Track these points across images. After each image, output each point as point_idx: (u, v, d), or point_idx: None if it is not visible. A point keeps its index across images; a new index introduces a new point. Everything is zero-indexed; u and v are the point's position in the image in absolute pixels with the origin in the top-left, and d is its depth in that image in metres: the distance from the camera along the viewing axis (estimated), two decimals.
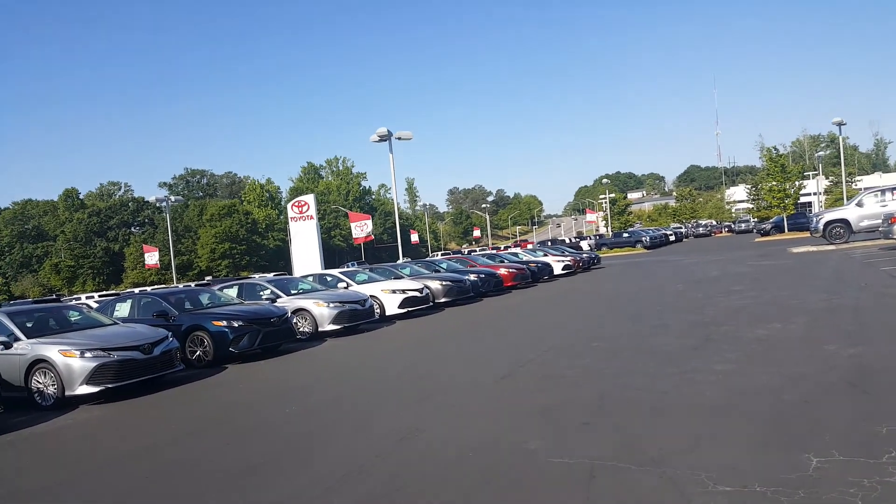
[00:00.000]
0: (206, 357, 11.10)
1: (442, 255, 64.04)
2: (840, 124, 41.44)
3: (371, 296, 15.86)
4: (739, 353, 7.37)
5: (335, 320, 13.57)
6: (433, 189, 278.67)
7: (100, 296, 28.55)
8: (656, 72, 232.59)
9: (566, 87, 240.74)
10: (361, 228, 31.48)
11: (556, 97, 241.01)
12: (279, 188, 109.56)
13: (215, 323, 11.16)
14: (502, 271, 22.35)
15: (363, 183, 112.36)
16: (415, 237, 65.58)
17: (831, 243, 23.81)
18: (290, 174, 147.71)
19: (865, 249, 21.06)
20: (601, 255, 39.85)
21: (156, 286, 48.12)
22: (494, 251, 37.48)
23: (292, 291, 15.16)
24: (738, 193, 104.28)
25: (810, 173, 65.98)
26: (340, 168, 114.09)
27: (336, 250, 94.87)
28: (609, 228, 71.66)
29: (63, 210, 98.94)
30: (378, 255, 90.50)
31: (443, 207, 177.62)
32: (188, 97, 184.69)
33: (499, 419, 5.78)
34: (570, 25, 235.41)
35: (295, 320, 13.32)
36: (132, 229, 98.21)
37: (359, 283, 17.13)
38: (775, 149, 49.35)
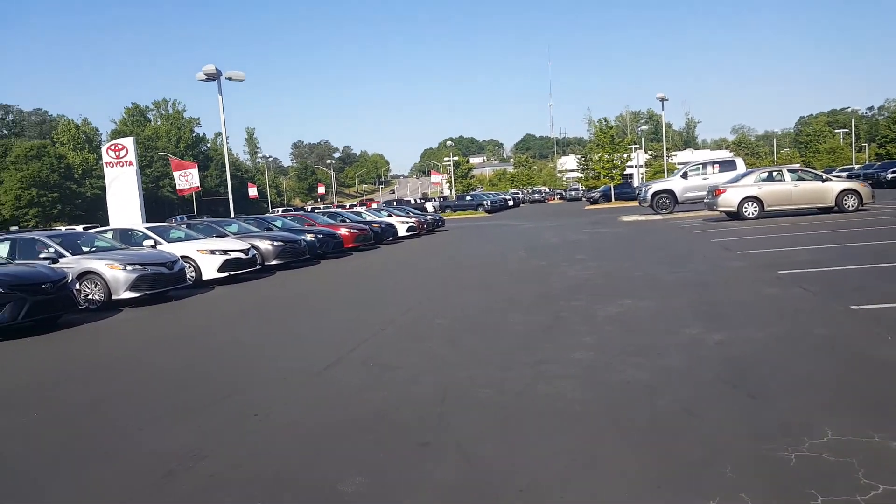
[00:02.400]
0: None
1: (283, 211, 60.40)
2: (663, 100, 44.57)
3: (185, 256, 13.50)
4: (595, 336, 6.64)
5: (134, 286, 11.17)
6: (276, 142, 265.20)
7: None
8: (497, 40, 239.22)
9: (415, 48, 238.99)
10: (186, 178, 27.79)
11: (405, 57, 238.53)
12: (98, 130, 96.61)
13: None
14: (343, 231, 20.76)
15: (197, 129, 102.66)
16: (253, 191, 61.24)
17: (658, 213, 25.27)
18: (112, 116, 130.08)
19: (691, 220, 22.46)
20: (445, 217, 39.61)
21: None
22: (339, 209, 35.59)
23: (84, 250, 12.39)
24: (569, 163, 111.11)
25: (633, 146, 71.33)
26: (170, 111, 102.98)
27: (166, 202, 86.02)
28: (453, 191, 72.38)
29: None
30: (215, 209, 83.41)
31: (287, 162, 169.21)
32: None
33: (309, 437, 4.38)
34: None
35: (79, 286, 10.75)
36: None
37: (172, 241, 14.59)
38: (605, 121, 52.38)
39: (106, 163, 25.44)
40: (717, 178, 23.55)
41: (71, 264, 11.05)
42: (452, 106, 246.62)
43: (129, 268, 11.17)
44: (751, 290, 8.53)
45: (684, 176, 25.19)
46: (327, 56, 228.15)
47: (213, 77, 25.89)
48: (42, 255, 11.05)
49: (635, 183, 62.35)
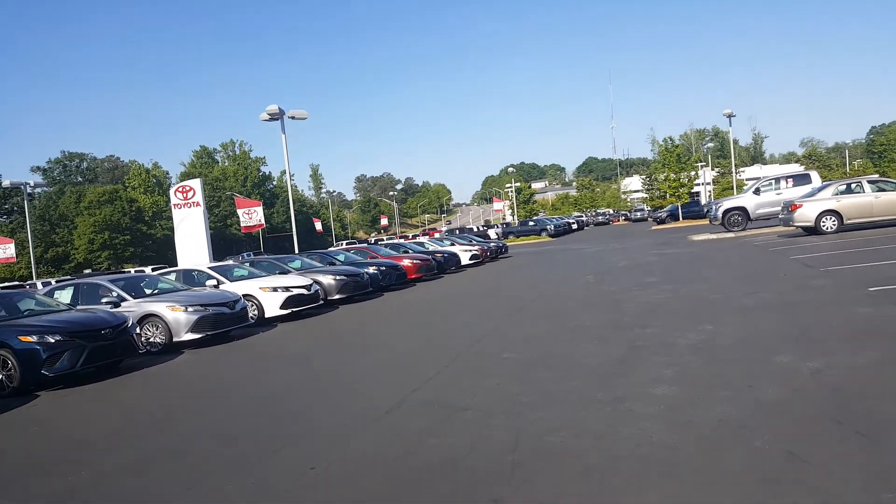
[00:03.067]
0: (10, 383, 8.52)
1: (347, 244, 61.49)
2: (730, 116, 42.92)
3: (247, 295, 13.63)
4: (676, 367, 6.06)
5: (195, 327, 11.25)
6: (340, 177, 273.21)
7: None
8: (556, 66, 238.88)
9: (473, 76, 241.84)
10: (250, 216, 28.63)
11: (463, 87, 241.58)
12: (168, 173, 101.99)
13: (22, 339, 8.61)
14: (406, 263, 20.65)
15: (262, 168, 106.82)
16: (318, 226, 62.81)
17: (730, 231, 23.99)
18: (182, 159, 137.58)
19: (765, 237, 21.17)
20: (508, 244, 39.13)
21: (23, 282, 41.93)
22: (402, 240, 35.75)
23: (147, 292, 12.66)
24: (633, 183, 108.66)
25: (699, 164, 69.03)
26: (237, 152, 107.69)
27: (234, 240, 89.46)
28: (515, 217, 71.86)
29: None
30: (281, 245, 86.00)
31: (350, 195, 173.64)
32: (65, 75, 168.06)
33: (371, 494, 4.03)
34: (477, 17, 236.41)
35: (141, 329, 10.92)
36: None
37: (235, 279, 14.78)
38: (670, 140, 50.84)
39: (174, 204, 26.49)
40: (791, 192, 22.19)
41: (132, 308, 11.24)
42: (513, 132, 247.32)
43: (189, 309, 11.28)
44: (842, 311, 7.71)
45: (756, 192, 23.87)
46: (388, 89, 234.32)
47: (277, 117, 26.77)
48: (104, 300, 11.31)
49: (703, 201, 60.11)
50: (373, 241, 59.70)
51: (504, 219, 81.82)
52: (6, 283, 39.30)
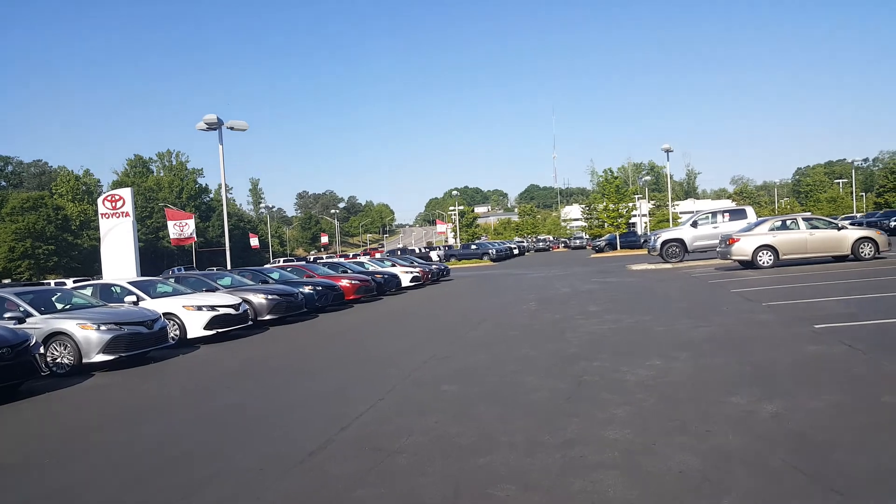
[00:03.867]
0: None
1: (284, 261, 59.70)
2: (668, 151, 44.34)
3: (168, 313, 12.59)
4: (627, 407, 5.66)
5: (108, 348, 10.18)
6: (282, 192, 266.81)
7: None
8: (500, 93, 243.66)
9: (420, 99, 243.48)
10: (181, 228, 27.17)
11: (410, 108, 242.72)
12: (99, 181, 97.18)
13: None
14: (344, 283, 19.86)
15: (200, 180, 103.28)
16: (255, 241, 60.76)
17: (667, 261, 24.40)
18: (115, 167, 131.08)
19: (703, 269, 21.57)
20: (450, 267, 38.77)
21: None
22: (342, 259, 34.80)
23: (59, 307, 11.47)
24: (573, 212, 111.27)
25: (637, 196, 71.22)
26: (173, 162, 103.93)
27: (165, 252, 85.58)
28: (458, 240, 71.88)
29: None
30: (215, 260, 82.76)
31: (291, 212, 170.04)
32: None
33: None
34: (425, 41, 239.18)
35: (45, 349, 9.81)
36: None
37: (157, 296, 13.68)
38: (611, 171, 52.14)
39: (102, 214, 24.85)
40: (727, 226, 22.81)
41: (38, 324, 10.10)
42: (457, 157, 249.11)
43: (102, 328, 10.21)
44: (791, 349, 7.57)
45: (694, 225, 24.45)
46: (333, 107, 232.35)
47: (215, 126, 25.57)
48: (7, 315, 10.09)
49: (640, 231, 61.81)
50: (312, 260, 58.24)
51: (446, 241, 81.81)
52: None
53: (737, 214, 24.10)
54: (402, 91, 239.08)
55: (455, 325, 12.92)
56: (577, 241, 72.92)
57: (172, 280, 15.65)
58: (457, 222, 74.29)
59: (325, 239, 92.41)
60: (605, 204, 49.33)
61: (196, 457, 5.46)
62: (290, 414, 6.72)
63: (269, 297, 15.31)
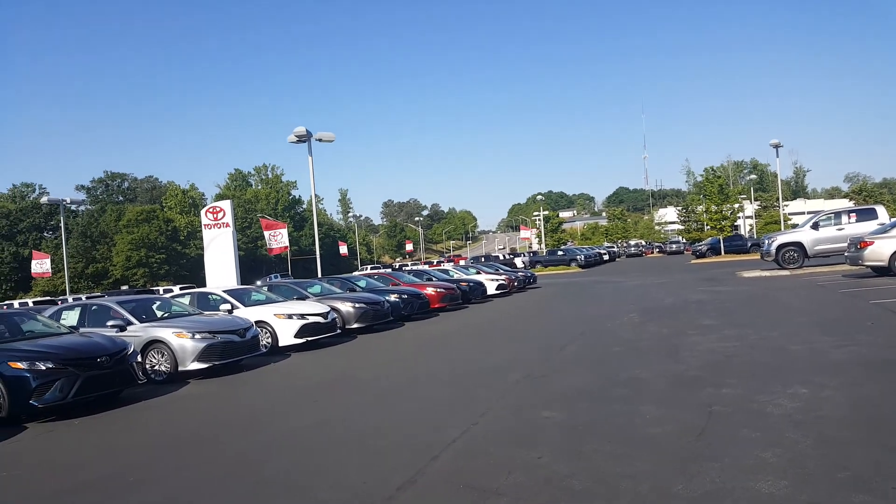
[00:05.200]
0: None
1: (371, 268, 60.70)
2: (777, 146, 41.12)
3: (261, 322, 12.55)
4: (778, 449, 4.64)
5: (202, 356, 10.16)
6: (368, 201, 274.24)
7: None
8: (587, 94, 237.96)
9: (501, 104, 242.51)
10: (276, 238, 27.87)
11: (491, 114, 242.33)
12: (203, 195, 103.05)
13: (12, 364, 7.64)
14: (429, 291, 19.44)
15: (293, 192, 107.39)
16: (343, 249, 62.19)
17: (784, 268, 22.22)
18: (217, 181, 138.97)
19: (828, 276, 19.39)
20: (536, 273, 37.66)
21: (77, 295, 41.47)
22: (426, 266, 34.59)
23: (160, 315, 11.65)
24: (668, 215, 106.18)
25: (741, 196, 66.87)
26: (270, 176, 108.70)
27: (264, 261, 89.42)
28: (543, 245, 70.28)
29: None
30: (308, 267, 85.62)
31: (377, 220, 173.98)
32: (109, 97, 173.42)
33: None
34: (507, 44, 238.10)
35: (142, 357, 9.89)
36: (44, 234, 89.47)
37: (251, 304, 13.72)
38: (712, 170, 49.03)
39: (205, 225, 25.90)
40: (854, 228, 20.40)
41: (138, 332, 10.25)
42: (541, 161, 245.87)
43: (197, 336, 10.20)
44: None
45: (815, 226, 22.07)
46: (418, 116, 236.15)
47: (304, 139, 26.18)
48: (110, 323, 10.29)
49: (745, 234, 57.88)
50: (397, 267, 58.77)
51: (530, 247, 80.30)
52: (44, 298, 39.22)
53: (865, 214, 21.55)
54: (484, 94, 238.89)
55: (549, 339, 12.04)
56: (674, 246, 69.35)
57: (265, 288, 15.76)
58: (542, 227, 72.69)
59: (409, 246, 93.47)
60: (705, 205, 46.37)
61: (275, 485, 4.98)
62: (377, 437, 6.15)
63: (357, 305, 15.07)
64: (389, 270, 29.83)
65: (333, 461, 5.51)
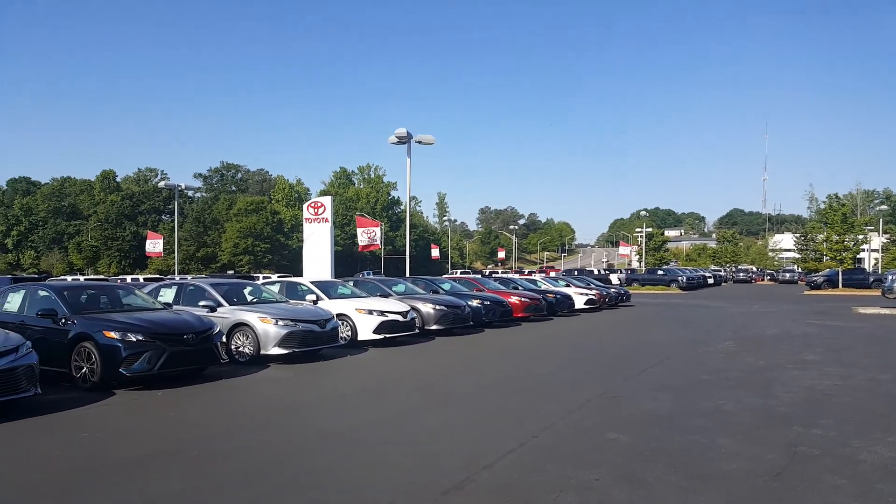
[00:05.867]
0: (91, 377, 8.23)
1: (461, 273, 61.01)
2: None
3: (342, 314, 12.88)
4: (865, 501, 4.12)
5: (283, 342, 10.57)
6: (465, 206, 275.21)
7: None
8: (707, 109, 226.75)
9: (610, 116, 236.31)
10: (369, 236, 28.68)
11: (599, 125, 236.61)
12: (309, 190, 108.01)
13: (107, 334, 8.28)
14: (513, 299, 19.17)
15: (393, 193, 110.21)
16: (435, 252, 62.93)
17: None
18: (323, 178, 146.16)
19: None
20: (631, 292, 36.23)
21: (184, 276, 45.30)
22: (514, 276, 34.23)
23: (250, 300, 12.27)
24: (784, 241, 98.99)
25: (867, 227, 61.14)
26: (372, 176, 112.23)
27: (359, 257, 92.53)
28: (643, 264, 67.64)
29: (99, 191, 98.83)
30: (402, 267, 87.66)
31: (473, 226, 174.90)
32: (231, 91, 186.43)
33: None
34: (620, 55, 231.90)
35: (227, 338, 10.42)
36: (162, 216, 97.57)
37: (335, 297, 14.15)
38: (836, 197, 45.24)
39: (306, 218, 27.15)
40: None
41: (226, 314, 10.82)
42: (650, 176, 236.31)
43: (280, 323, 10.63)
44: None
45: None
46: (522, 124, 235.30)
47: (404, 140, 26.79)
48: (202, 303, 10.95)
49: (869, 269, 52.94)
50: (487, 274, 58.72)
51: (629, 265, 77.50)
52: (154, 276, 42.66)
53: None
54: (590, 106, 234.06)
55: (631, 359, 11.49)
56: (788, 275, 64.44)
57: (351, 283, 16.20)
58: (643, 245, 69.99)
59: (501, 254, 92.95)
60: (826, 234, 42.82)
61: (326, 476, 5.03)
62: (434, 439, 6.09)
63: (437, 307, 15.13)
64: (477, 276, 29.77)
65: (385, 459, 5.50)
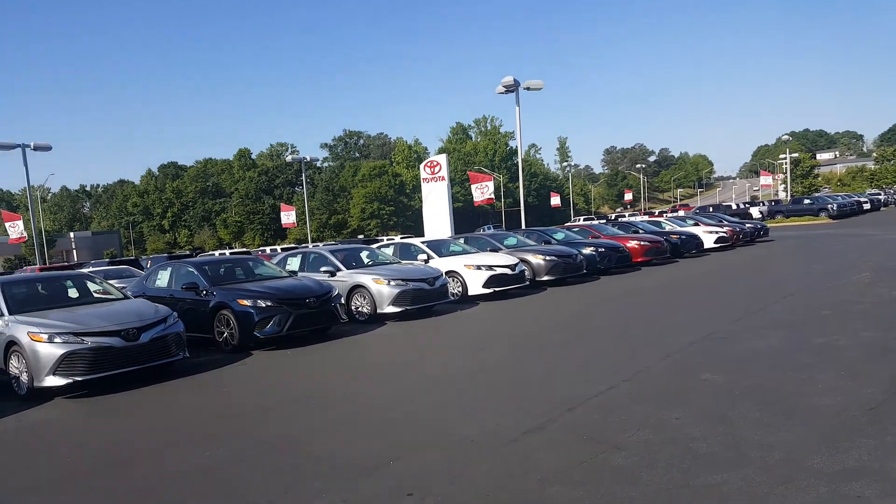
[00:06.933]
0: (231, 341, 9.51)
1: (584, 220, 59.69)
2: None
3: (452, 271, 13.46)
4: None
5: (396, 301, 11.37)
6: (589, 149, 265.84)
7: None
8: (860, 9, 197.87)
9: (747, 30, 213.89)
10: (482, 191, 28.95)
11: (735, 42, 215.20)
12: (427, 149, 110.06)
13: (241, 302, 9.47)
14: (632, 244, 18.70)
15: (511, 143, 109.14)
16: (556, 200, 61.63)
17: None
18: (440, 135, 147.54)
19: None
20: (774, 225, 33.57)
21: (316, 243, 49.16)
22: (632, 219, 33.02)
23: (367, 263, 13.22)
24: None
25: None
26: (489, 128, 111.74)
27: (481, 213, 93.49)
28: (789, 193, 61.92)
29: (237, 169, 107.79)
30: (519, 218, 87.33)
31: (598, 168, 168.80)
32: (348, 63, 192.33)
33: None
34: None
35: (345, 300, 11.40)
36: (295, 188, 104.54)
37: (446, 255, 14.73)
38: None
39: (423, 178, 27.94)
40: None
41: (345, 278, 11.79)
42: (795, 93, 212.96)
43: (392, 283, 11.41)
44: None
45: None
46: (648, 53, 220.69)
47: (512, 89, 26.59)
48: (323, 269, 12.01)
49: None
50: (612, 218, 56.89)
51: (775, 195, 71.25)
52: (290, 246, 46.31)
53: None
54: (719, 19, 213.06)
55: (751, 298, 10.96)
56: None
57: (461, 240, 16.71)
58: (787, 172, 63.95)
59: (628, 196, 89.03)
60: None
61: (421, 417, 5.58)
62: (528, 385, 6.44)
63: (548, 258, 15.23)
64: (589, 224, 29.14)
65: (478, 403, 5.95)
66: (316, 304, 9.82)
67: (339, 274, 11.96)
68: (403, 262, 13.58)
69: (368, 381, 7.26)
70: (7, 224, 34.06)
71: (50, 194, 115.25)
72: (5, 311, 7.75)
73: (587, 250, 16.66)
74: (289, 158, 55.73)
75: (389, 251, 14.81)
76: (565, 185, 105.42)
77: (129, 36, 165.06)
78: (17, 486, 4.71)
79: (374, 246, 15.02)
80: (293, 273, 11.48)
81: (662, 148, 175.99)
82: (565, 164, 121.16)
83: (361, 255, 13.58)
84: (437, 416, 5.63)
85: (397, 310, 11.39)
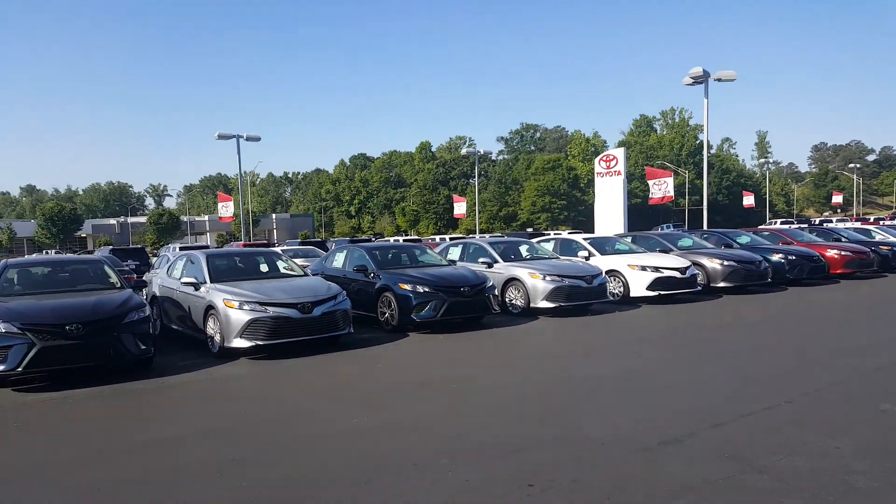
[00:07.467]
0: (391, 321, 10.22)
1: (782, 223, 53.72)
2: None
3: (613, 271, 13.04)
4: None
5: (550, 296, 11.32)
6: (794, 145, 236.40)
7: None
8: None
9: None
10: (660, 188, 27.50)
11: None
12: (605, 142, 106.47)
13: (401, 286, 10.14)
14: (830, 253, 16.55)
15: (700, 136, 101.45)
16: (749, 199, 56.33)
17: None
18: (622, 128, 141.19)
19: None
20: None
21: (483, 235, 50.65)
22: (858, 222, 28.97)
23: (525, 256, 13.31)
24: None
25: None
26: (676, 120, 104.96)
27: (662, 210, 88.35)
28: None
29: (418, 161, 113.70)
30: (712, 219, 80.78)
31: (804, 167, 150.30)
32: (526, 53, 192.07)
33: None
34: None
35: (499, 292, 11.59)
36: (470, 180, 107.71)
37: (609, 253, 14.26)
38: None
39: (597, 173, 27.33)
40: None
41: (501, 270, 11.98)
42: None
43: (547, 278, 11.36)
44: None
45: None
46: (857, 44, 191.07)
47: (700, 80, 24.93)
48: (481, 260, 12.34)
49: None
50: (816, 222, 50.49)
51: None
52: (458, 236, 47.98)
53: None
54: None
55: None
56: None
57: (629, 239, 16.06)
58: None
59: (837, 198, 77.98)
60: None
61: (553, 416, 5.55)
62: (674, 395, 6.10)
63: (725, 263, 14.06)
64: (791, 227, 26.13)
65: (617, 407, 5.77)
66: (470, 293, 10.16)
67: (495, 266, 12.19)
68: (562, 257, 13.44)
69: (512, 373, 7.38)
70: (220, 204, 39.62)
71: (259, 179, 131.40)
72: (208, 279, 9.10)
73: (775, 257, 15.12)
74: (464, 151, 57.57)
75: (549, 246, 14.72)
76: (762, 184, 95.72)
77: (336, 36, 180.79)
78: (202, 428, 5.58)
79: (535, 240, 15.01)
80: (452, 262, 11.96)
81: (885, 146, 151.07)
82: (763, 160, 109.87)
83: (521, 248, 13.67)
84: (573, 414, 5.57)
85: (551, 305, 11.33)
